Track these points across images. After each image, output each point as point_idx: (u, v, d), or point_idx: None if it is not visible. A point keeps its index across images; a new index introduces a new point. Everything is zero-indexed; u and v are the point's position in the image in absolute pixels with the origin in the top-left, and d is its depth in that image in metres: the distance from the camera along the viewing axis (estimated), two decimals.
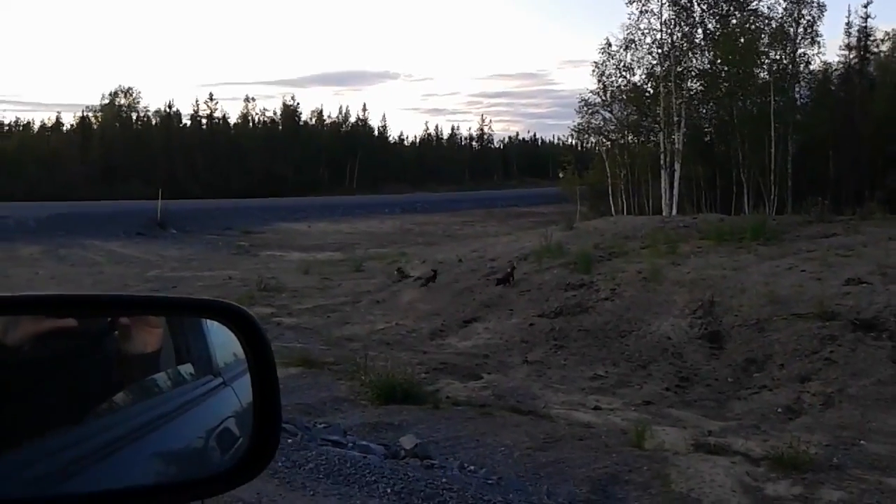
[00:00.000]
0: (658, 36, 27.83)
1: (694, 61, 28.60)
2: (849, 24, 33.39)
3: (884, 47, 35.30)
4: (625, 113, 30.62)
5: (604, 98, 30.14)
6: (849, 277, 12.17)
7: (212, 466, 1.49)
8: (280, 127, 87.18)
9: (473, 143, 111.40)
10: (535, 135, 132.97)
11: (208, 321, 1.57)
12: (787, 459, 6.38)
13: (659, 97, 27.67)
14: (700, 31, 28.45)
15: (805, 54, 29.85)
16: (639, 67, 29.25)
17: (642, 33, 28.24)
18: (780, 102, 27.85)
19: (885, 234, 16.11)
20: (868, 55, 33.13)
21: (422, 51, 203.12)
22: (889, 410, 8.01)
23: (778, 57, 29.29)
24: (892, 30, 35.67)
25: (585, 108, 30.62)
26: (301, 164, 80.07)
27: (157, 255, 22.58)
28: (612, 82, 29.79)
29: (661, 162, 27.09)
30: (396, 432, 7.03)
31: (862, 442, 7.18)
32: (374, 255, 21.81)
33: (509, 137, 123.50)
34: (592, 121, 31.10)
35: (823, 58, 32.02)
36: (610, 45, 29.87)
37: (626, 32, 29.14)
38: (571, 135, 37.19)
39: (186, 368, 1.57)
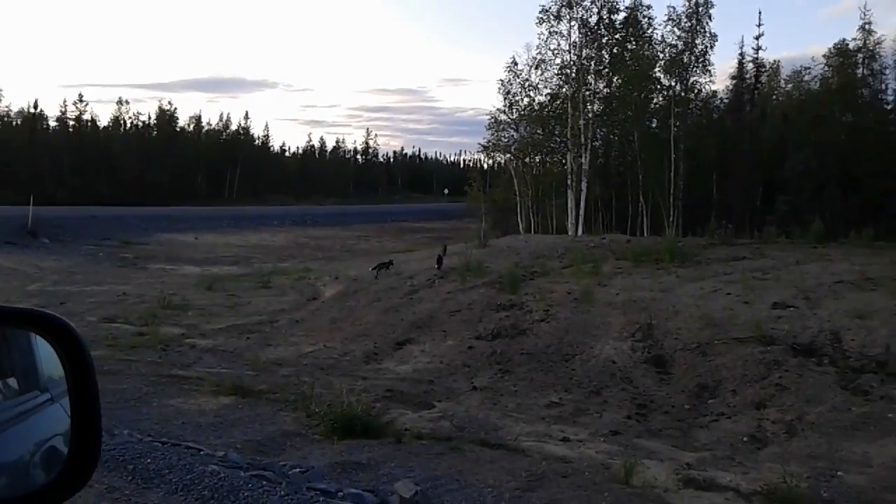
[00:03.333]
0: (567, 57, 28.21)
1: (600, 84, 29.16)
2: (742, 55, 35.06)
3: (782, 77, 37.24)
4: (530, 132, 30.82)
5: (510, 117, 30.26)
6: (775, 301, 12.42)
7: (32, 485, 1.43)
8: (154, 132, 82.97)
9: (358, 157, 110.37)
10: (419, 150, 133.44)
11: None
12: (780, 495, 6.15)
13: (567, 118, 27.99)
14: (606, 54, 29.03)
15: (697, 82, 31.08)
16: (545, 87, 29.55)
17: (553, 53, 28.54)
18: (677, 127, 28.80)
19: (792, 258, 16.69)
20: (759, 85, 34.93)
21: (302, 61, 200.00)
22: (851, 438, 8.00)
23: (673, 83, 30.32)
24: (775, 60, 37.73)
25: (495, 125, 30.64)
26: (177, 172, 76.48)
27: (34, 267, 20.60)
28: (518, 101, 29.95)
29: (568, 181, 27.37)
30: (369, 473, 6.34)
31: (839, 473, 7.08)
32: (277, 270, 20.75)
33: (394, 152, 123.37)
34: (501, 138, 31.12)
35: (713, 87, 33.50)
36: (516, 63, 30.05)
37: (535, 52, 29.41)
38: (479, 151, 37.16)
39: (10, 383, 1.50)
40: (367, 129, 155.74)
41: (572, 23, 28.00)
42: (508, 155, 31.91)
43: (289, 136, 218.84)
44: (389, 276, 17.38)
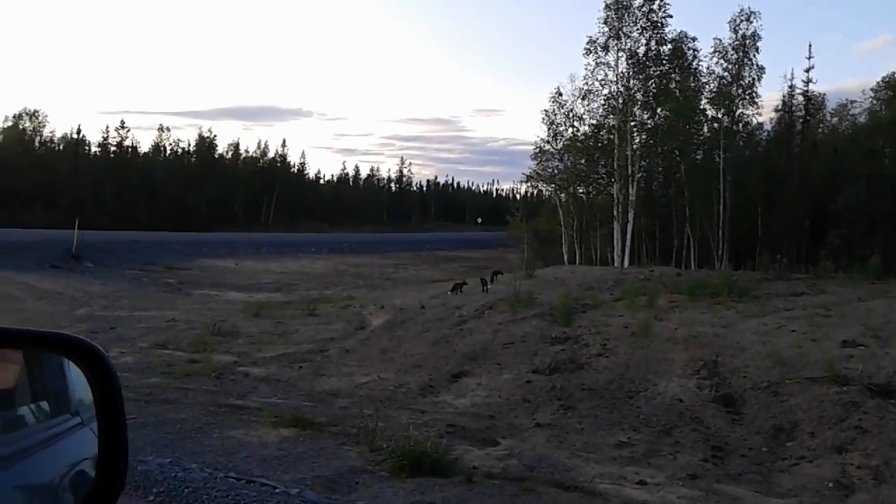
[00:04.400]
0: (613, 88, 28.05)
1: (645, 115, 28.90)
2: (791, 87, 34.58)
3: (827, 111, 36.65)
4: (574, 162, 30.60)
5: (555, 147, 30.09)
6: (843, 339, 11.96)
7: None
8: (194, 159, 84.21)
9: (392, 185, 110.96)
10: (452, 179, 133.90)
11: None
12: None
13: (613, 148, 27.76)
14: (652, 85, 28.79)
15: (744, 114, 30.70)
16: (590, 118, 29.40)
17: (600, 84, 28.40)
18: (724, 158, 28.41)
19: (853, 294, 16.20)
20: (809, 117, 34.41)
21: (336, 90, 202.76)
22: None
23: (720, 115, 29.98)
24: (820, 93, 36.98)
25: (540, 156, 30.49)
26: (215, 198, 77.42)
27: (81, 291, 20.71)
28: (562, 131, 29.80)
29: (614, 212, 27.04)
30: None
31: None
32: (322, 297, 20.62)
33: (427, 181, 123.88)
34: (546, 168, 30.94)
35: (760, 118, 33.06)
36: (560, 94, 29.94)
37: (582, 82, 29.30)
38: (522, 181, 37.03)
39: (43, 406, 1.52)
40: (402, 157, 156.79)
41: (620, 54, 27.91)
42: (553, 185, 31.67)
43: (323, 164, 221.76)
44: (437, 306, 17.16)
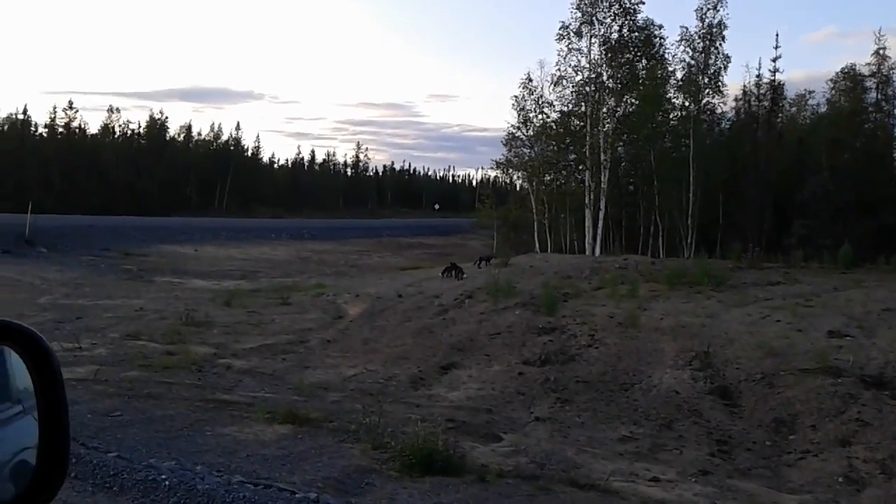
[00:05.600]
0: (586, 74, 27.89)
1: (611, 102, 28.82)
2: (759, 76, 34.87)
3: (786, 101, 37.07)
4: (544, 149, 30.41)
5: (525, 134, 29.86)
6: (829, 330, 12.06)
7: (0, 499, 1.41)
8: (144, 141, 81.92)
9: (348, 170, 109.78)
10: (409, 165, 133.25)
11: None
12: None
13: (585, 135, 27.64)
14: (622, 72, 28.72)
15: (710, 102, 30.86)
16: (562, 104, 29.19)
17: (573, 70, 28.21)
18: (692, 147, 28.51)
19: (828, 284, 16.41)
20: (775, 107, 34.77)
21: (288, 73, 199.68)
22: None
23: (687, 104, 30.09)
24: (780, 83, 37.41)
25: (512, 143, 30.21)
26: (167, 181, 75.51)
27: (38, 278, 19.85)
28: (532, 118, 29.56)
29: (587, 200, 26.95)
30: None
31: None
32: (292, 286, 20.12)
33: (384, 167, 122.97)
34: (516, 156, 30.68)
35: (726, 107, 33.28)
36: (531, 80, 29.68)
37: (555, 68, 29.06)
38: (492, 168, 36.66)
39: None
40: (358, 142, 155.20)
41: (593, 40, 27.76)
42: (523, 172, 31.47)
43: (276, 148, 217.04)
44: (412, 295, 16.87)
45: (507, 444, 8.27)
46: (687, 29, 30.82)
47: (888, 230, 25.77)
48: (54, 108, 75.42)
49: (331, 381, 10.59)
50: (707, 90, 29.98)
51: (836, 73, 34.54)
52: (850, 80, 33.51)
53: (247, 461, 6.81)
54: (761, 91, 34.09)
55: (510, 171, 33.35)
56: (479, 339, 12.74)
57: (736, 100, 35.47)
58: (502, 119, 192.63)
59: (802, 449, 8.55)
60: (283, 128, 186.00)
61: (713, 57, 29.89)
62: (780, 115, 35.70)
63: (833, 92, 34.70)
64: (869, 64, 32.82)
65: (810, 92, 38.06)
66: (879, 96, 32.97)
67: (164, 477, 5.16)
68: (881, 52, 32.55)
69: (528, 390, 10.36)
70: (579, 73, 28.04)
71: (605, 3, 27.77)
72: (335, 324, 14.64)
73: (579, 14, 28.09)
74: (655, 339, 12.16)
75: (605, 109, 27.48)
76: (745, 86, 35.55)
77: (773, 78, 34.00)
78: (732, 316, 13.29)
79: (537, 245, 29.15)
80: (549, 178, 30.89)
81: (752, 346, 11.47)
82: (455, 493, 6.51)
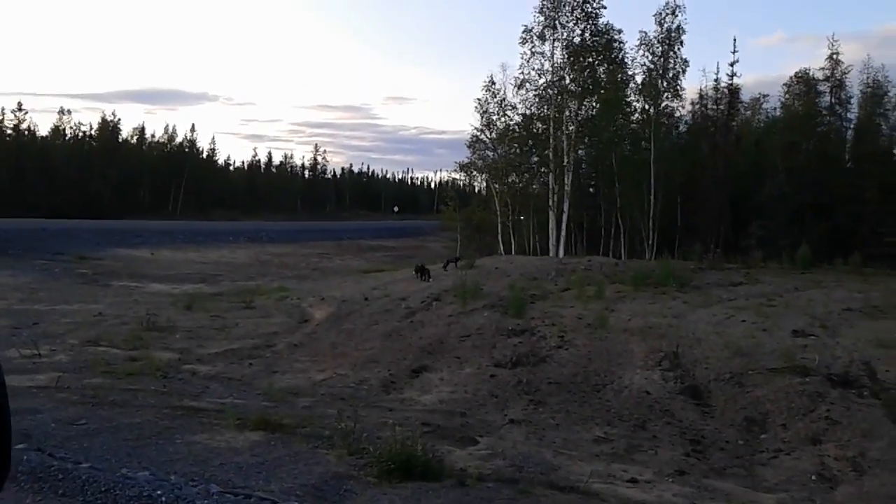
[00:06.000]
0: (549, 77, 27.97)
1: (573, 105, 28.99)
2: (717, 80, 35.36)
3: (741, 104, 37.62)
4: (508, 152, 30.46)
5: (488, 136, 29.87)
6: (794, 329, 12.25)
7: None
8: (95, 143, 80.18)
9: (306, 172, 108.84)
10: (367, 167, 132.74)
11: None
12: None
13: (547, 137, 27.75)
14: (584, 76, 28.89)
15: (668, 106, 31.23)
16: (526, 107, 29.24)
17: (537, 74, 28.27)
18: (652, 150, 28.82)
19: (789, 284, 16.67)
20: (734, 111, 35.31)
21: (243, 74, 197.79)
22: None
23: (647, 107, 30.42)
24: (735, 86, 37.98)
25: (475, 145, 30.18)
26: (119, 184, 74.04)
27: None
28: (495, 120, 29.60)
29: (550, 202, 27.04)
30: None
31: None
32: (254, 289, 19.81)
33: (342, 169, 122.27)
34: (480, 158, 30.67)
35: (684, 111, 33.71)
36: (493, 83, 29.71)
37: (518, 72, 29.13)
38: (455, 170, 36.55)
39: None
40: (316, 144, 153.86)
41: (556, 43, 27.88)
42: (487, 174, 31.49)
43: (231, 150, 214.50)
44: (380, 298, 16.72)
45: (484, 447, 8.20)
46: (646, 34, 31.28)
47: (843, 231, 26.40)
48: (2, 109, 73.19)
49: (300, 385, 10.41)
50: (666, 94, 30.44)
51: (790, 78, 35.40)
52: (803, 83, 34.28)
53: (221, 469, 6.61)
54: (718, 95, 34.71)
55: (474, 173, 33.41)
56: (449, 341, 12.66)
57: (692, 103, 36.09)
58: (459, 122, 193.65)
59: (774, 448, 8.64)
60: (238, 130, 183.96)
61: (672, 61, 30.36)
62: (735, 118, 36.36)
63: (787, 95, 35.50)
64: (823, 68, 33.70)
65: (764, 95, 38.88)
66: (833, 100, 33.77)
67: (159, 493, 4.93)
68: (834, 56, 33.38)
69: (500, 392, 10.31)
70: (542, 76, 28.24)
71: (567, 8, 28.03)
72: (301, 328, 14.43)
73: (542, 18, 28.36)
74: (624, 339, 12.21)
75: (567, 112, 27.64)
76: (701, 89, 36.22)
77: (730, 82, 34.63)
78: (698, 316, 13.41)
79: (501, 247, 29.20)
80: (512, 180, 30.97)
81: (719, 345, 11.58)
82: (436, 498, 6.40)
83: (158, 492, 4.94)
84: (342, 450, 7.43)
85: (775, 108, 36.97)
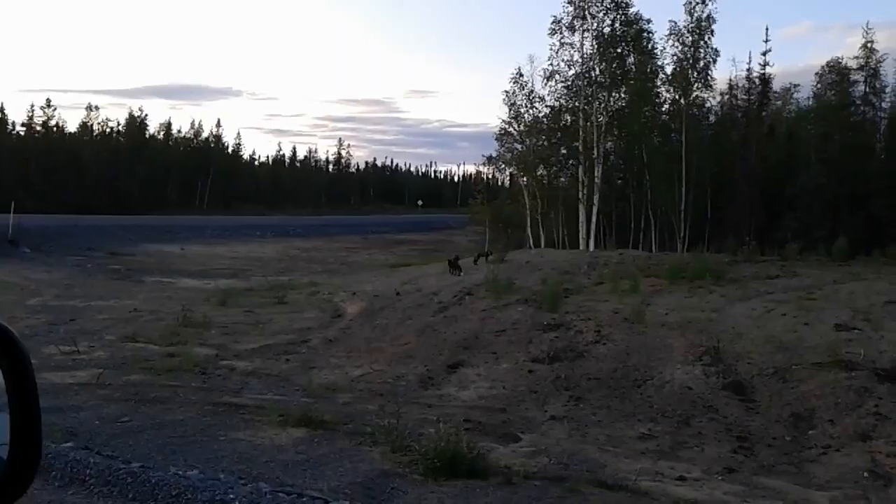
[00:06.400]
0: (578, 69, 27.76)
1: (603, 95, 28.70)
2: (749, 70, 34.79)
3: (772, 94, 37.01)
4: (535, 145, 30.27)
5: (516, 129, 29.70)
6: (836, 323, 12.00)
7: None
8: (122, 139, 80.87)
9: (330, 167, 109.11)
10: (391, 161, 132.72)
11: None
12: None
13: (578, 129, 27.53)
14: (614, 67, 28.60)
15: (699, 97, 30.85)
16: (555, 99, 29.01)
17: (566, 65, 28.04)
18: (684, 141, 28.48)
19: (828, 277, 16.39)
20: (766, 102, 34.79)
21: (267, 69, 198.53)
22: None
23: (678, 98, 30.06)
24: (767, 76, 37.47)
25: (504, 138, 30.05)
26: (147, 180, 74.58)
27: (25, 279, 19.46)
28: (523, 112, 29.42)
29: (580, 195, 26.84)
30: None
31: None
32: (286, 284, 19.86)
33: (366, 163, 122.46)
34: (509, 150, 30.53)
35: (714, 101, 33.25)
36: (521, 75, 29.52)
37: (547, 63, 28.92)
38: (483, 163, 36.40)
39: None
40: (340, 138, 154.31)
41: (585, 34, 27.65)
42: (516, 167, 31.32)
43: (255, 145, 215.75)
44: (412, 292, 16.68)
45: (528, 444, 8.12)
46: (676, 23, 30.90)
47: (879, 222, 25.94)
48: (32, 106, 74.04)
49: (338, 381, 10.39)
50: (696, 84, 30.07)
51: (822, 67, 34.75)
52: (836, 73, 33.67)
53: (267, 467, 6.60)
54: (749, 85, 34.16)
55: (502, 166, 33.24)
56: (484, 336, 12.57)
57: (722, 94, 35.60)
58: (482, 115, 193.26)
59: (823, 444, 8.47)
60: (262, 124, 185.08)
61: (702, 51, 29.96)
62: (766, 108, 35.80)
63: (819, 85, 34.91)
64: (857, 57, 33.01)
65: (795, 85, 38.28)
66: (867, 89, 33.10)
67: (231, 497, 4.89)
68: (869, 45, 32.69)
69: (539, 388, 10.21)
70: (571, 67, 28.00)
71: None
72: (335, 323, 14.43)
73: (571, 8, 28.17)
74: (663, 334, 12.05)
75: (596, 104, 27.38)
76: (731, 80, 35.70)
77: (763, 71, 34.04)
78: (737, 310, 13.22)
79: (531, 240, 29.03)
80: (540, 173, 30.75)
81: (760, 340, 11.39)
82: (484, 496, 6.34)
83: (231, 495, 4.89)
84: (385, 447, 7.39)
85: (808, 98, 36.43)
